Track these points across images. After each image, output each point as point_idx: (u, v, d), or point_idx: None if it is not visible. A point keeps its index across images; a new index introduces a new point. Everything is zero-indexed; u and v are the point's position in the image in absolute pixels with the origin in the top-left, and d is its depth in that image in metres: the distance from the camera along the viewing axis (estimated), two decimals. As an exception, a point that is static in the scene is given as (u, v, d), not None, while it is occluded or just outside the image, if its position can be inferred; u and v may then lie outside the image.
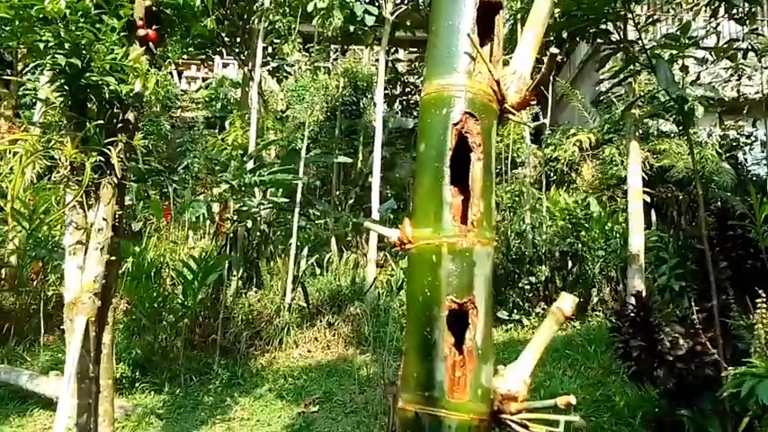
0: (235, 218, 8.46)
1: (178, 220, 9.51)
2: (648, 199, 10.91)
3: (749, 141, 11.91)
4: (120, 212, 3.99)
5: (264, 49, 11.61)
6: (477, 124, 1.53)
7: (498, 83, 1.54)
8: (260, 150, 8.50)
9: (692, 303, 4.86)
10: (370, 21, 8.79)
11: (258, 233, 9.30)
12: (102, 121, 3.70)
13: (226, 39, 13.73)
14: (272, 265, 9.11)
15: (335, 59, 18.88)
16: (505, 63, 1.65)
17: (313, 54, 15.38)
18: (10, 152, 3.88)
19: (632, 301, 4.08)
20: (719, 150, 11.53)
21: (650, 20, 7.20)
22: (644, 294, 6.88)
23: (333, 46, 17.20)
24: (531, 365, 1.52)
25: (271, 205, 8.99)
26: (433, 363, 1.45)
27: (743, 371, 2.47)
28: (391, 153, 16.57)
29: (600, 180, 11.96)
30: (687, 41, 5.10)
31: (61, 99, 3.75)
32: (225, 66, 22.17)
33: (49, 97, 3.74)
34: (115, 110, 3.82)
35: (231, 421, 6.23)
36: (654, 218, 11.13)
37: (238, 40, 13.31)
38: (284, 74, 15.92)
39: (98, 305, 3.81)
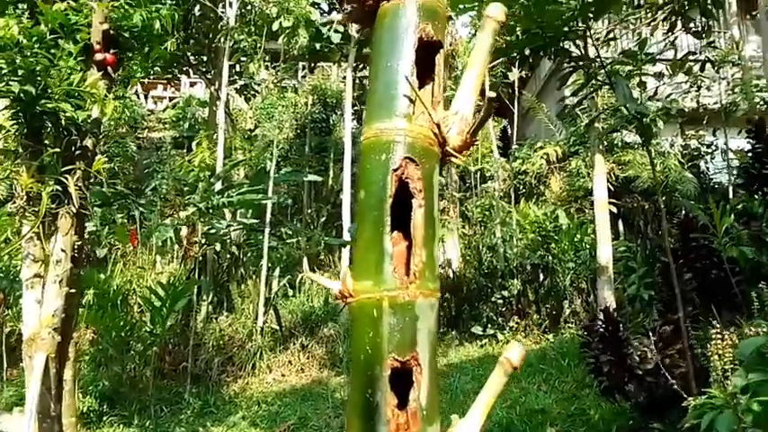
0: (203, 241, 8.32)
1: (146, 244, 9.32)
2: (615, 210, 11.13)
3: (710, 150, 12.23)
4: (80, 242, 3.87)
5: (231, 67, 11.55)
6: (417, 169, 1.48)
7: (439, 126, 1.50)
8: (227, 171, 8.39)
9: (659, 315, 4.92)
10: (336, 38, 8.80)
11: (228, 255, 9.17)
12: (58, 150, 3.60)
13: (192, 58, 13.64)
14: (243, 288, 8.98)
15: (303, 77, 18.86)
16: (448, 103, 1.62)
17: (280, 72, 15.34)
18: (-38, 183, 3.75)
19: (601, 316, 4.10)
20: (682, 160, 11.81)
21: (609, 36, 7.36)
22: (614, 306, 6.96)
23: (300, 63, 17.19)
24: (480, 421, 1.46)
25: (240, 227, 8.88)
26: (375, 427, 1.39)
27: (702, 401, 2.48)
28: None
29: (568, 192, 12.13)
30: (644, 57, 5.22)
31: (16, 126, 3.64)
32: (192, 85, 21.95)
33: (2, 125, 3.63)
34: (73, 137, 3.73)
35: (203, 452, 6.07)
36: (621, 228, 11.32)
37: (204, 59, 13.23)
38: (252, 92, 15.85)
39: (58, 340, 3.68)
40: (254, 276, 9.04)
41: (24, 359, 3.81)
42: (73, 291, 3.81)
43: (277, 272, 9.36)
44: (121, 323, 7.28)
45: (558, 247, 9.28)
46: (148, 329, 7.40)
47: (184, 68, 14.03)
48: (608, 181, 9.29)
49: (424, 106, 1.48)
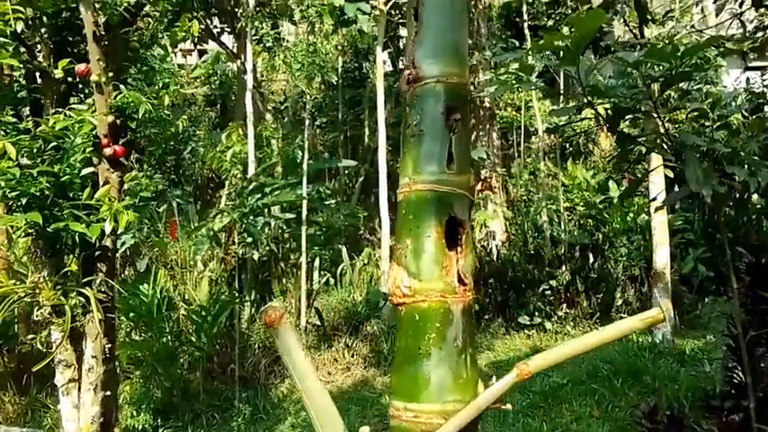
0: (241, 242, 8.22)
1: (184, 238, 9.30)
2: (672, 174, 10.44)
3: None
4: (111, 345, 3.77)
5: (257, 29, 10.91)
6: None
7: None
8: (259, 175, 8.15)
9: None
10: (363, 21, 8.17)
11: (267, 249, 9.08)
12: (75, 267, 3.41)
13: (216, 26, 13.15)
14: (284, 283, 8.94)
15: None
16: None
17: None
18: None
19: (665, 419, 3.78)
20: (745, 113, 10.84)
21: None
22: (672, 320, 6.60)
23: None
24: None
25: (277, 221, 8.74)
26: None
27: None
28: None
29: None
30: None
31: (31, 242, 3.46)
32: (220, 34, 21.35)
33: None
34: (90, 244, 3.53)
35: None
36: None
37: (228, 29, 12.72)
38: (279, 48, 15.23)
39: (99, 451, 3.66)
40: (293, 270, 8.96)
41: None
42: (108, 394, 3.75)
43: (317, 262, 9.26)
44: (166, 337, 7.38)
45: (610, 228, 8.81)
46: (194, 340, 7.50)
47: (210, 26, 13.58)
48: (663, 134, 8.58)
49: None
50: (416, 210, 1.16)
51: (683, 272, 8.64)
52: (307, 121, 9.66)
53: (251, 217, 7.98)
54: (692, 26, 7.05)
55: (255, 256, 8.18)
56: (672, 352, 6.64)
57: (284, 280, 8.96)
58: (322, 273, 9.35)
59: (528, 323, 8.43)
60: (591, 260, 8.78)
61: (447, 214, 1.14)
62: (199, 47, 21.51)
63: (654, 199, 6.05)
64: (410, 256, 1.17)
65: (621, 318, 8.16)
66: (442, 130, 1.11)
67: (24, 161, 3.12)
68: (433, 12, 1.16)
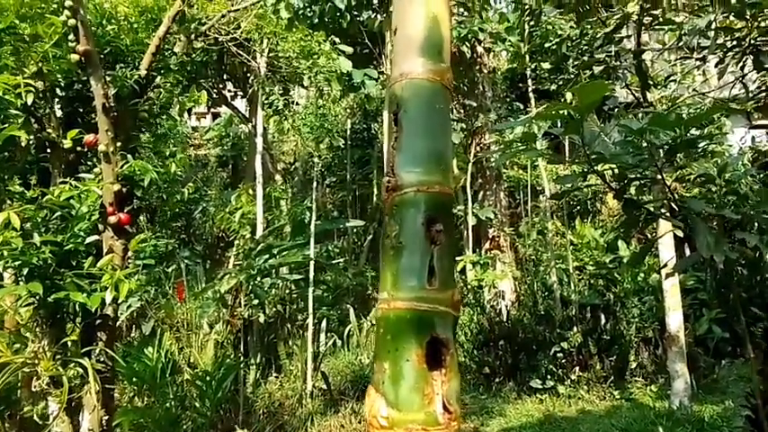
0: (247, 303, 8.14)
1: (191, 300, 9.23)
2: (680, 233, 10.35)
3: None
4: (108, 417, 3.67)
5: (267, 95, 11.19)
6: None
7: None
8: (267, 236, 8.17)
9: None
10: (371, 86, 8.36)
11: (274, 310, 8.98)
12: (75, 337, 3.36)
13: (229, 90, 13.54)
14: (290, 345, 8.78)
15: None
16: None
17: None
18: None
19: None
20: (747, 164, 10.84)
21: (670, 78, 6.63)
22: (687, 381, 6.39)
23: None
24: None
25: (285, 281, 8.68)
26: None
27: None
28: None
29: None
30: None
31: (32, 311, 3.43)
32: (233, 98, 21.96)
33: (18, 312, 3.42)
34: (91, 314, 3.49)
35: None
36: (688, 252, 10.53)
37: (240, 93, 13.09)
38: (289, 111, 15.56)
39: None
40: (300, 331, 8.83)
41: None
42: (104, 467, 3.62)
43: (324, 323, 9.13)
44: (169, 402, 7.20)
45: (621, 288, 8.66)
46: (198, 406, 7.32)
47: (224, 90, 13.97)
48: (670, 201, 8.54)
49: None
50: (395, 330, 1.03)
51: (697, 333, 8.42)
52: (315, 182, 9.75)
53: (258, 278, 7.95)
54: (694, 90, 7.14)
55: (262, 319, 8.09)
56: (690, 419, 6.38)
57: (290, 342, 8.82)
58: (329, 334, 9.20)
59: (540, 387, 8.18)
60: (603, 321, 8.59)
61: (428, 335, 1.01)
62: (212, 110, 22.11)
63: (665, 265, 5.96)
64: (388, 383, 1.03)
65: (636, 381, 7.93)
66: (422, 242, 1.02)
67: (28, 227, 3.12)
68: (415, 117, 1.06)
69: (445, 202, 1.00)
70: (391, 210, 0.96)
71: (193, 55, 5.07)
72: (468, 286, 9.84)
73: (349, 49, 8.20)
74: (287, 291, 9.29)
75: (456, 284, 0.96)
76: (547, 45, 9.21)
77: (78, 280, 3.24)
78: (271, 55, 8.26)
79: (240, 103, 22.08)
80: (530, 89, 10.49)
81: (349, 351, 8.99)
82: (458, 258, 9.66)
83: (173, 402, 7.30)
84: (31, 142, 3.30)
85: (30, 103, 3.07)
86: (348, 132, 15.58)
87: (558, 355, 8.13)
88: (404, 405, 0.91)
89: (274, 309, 9.02)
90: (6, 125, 2.93)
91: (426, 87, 1.01)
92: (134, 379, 7.33)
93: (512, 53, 10.50)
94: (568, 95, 7.66)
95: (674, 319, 6.28)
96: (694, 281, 9.07)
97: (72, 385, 3.51)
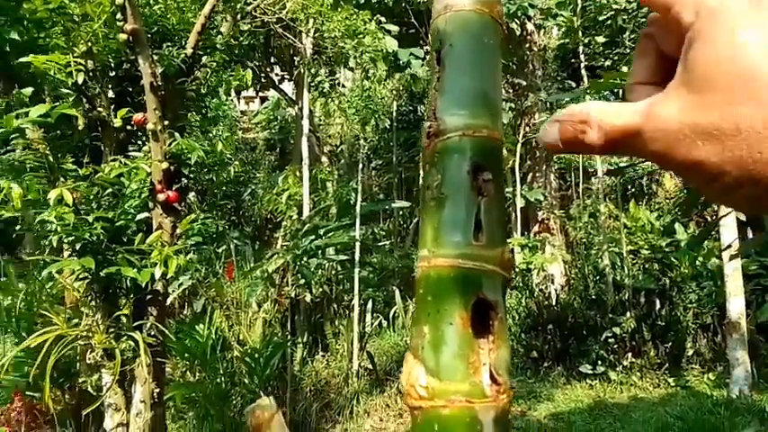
0: (294, 283, 8.25)
1: (241, 279, 9.42)
2: (744, 216, 9.86)
3: None
4: (159, 390, 3.76)
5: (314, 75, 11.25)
6: None
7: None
8: (313, 217, 8.22)
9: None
10: (416, 65, 8.24)
11: (320, 290, 9.07)
12: (127, 311, 3.45)
13: (276, 74, 13.62)
14: (336, 325, 8.87)
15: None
16: None
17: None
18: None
19: None
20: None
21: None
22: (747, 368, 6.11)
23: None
24: None
25: (331, 261, 8.75)
26: None
27: None
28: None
29: (685, 193, 10.90)
30: None
31: (86, 286, 3.54)
32: (281, 81, 22.17)
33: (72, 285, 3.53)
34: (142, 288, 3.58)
35: None
36: (751, 235, 10.03)
37: (287, 77, 13.15)
38: (335, 93, 15.60)
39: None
40: (346, 312, 8.90)
41: None
42: (156, 439, 3.73)
43: (370, 304, 9.16)
44: (219, 378, 7.40)
45: (677, 273, 8.33)
46: (246, 382, 7.50)
47: (271, 74, 14.09)
48: None
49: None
50: (436, 290, 0.94)
51: (759, 320, 8.02)
52: (361, 165, 9.75)
53: (305, 258, 8.03)
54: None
55: (308, 298, 8.18)
56: (750, 409, 6.10)
57: (336, 322, 8.90)
58: (375, 315, 9.24)
59: (590, 372, 7.98)
60: (658, 306, 8.29)
61: (474, 296, 0.93)
62: (261, 94, 22.39)
63: (728, 247, 5.66)
64: (428, 348, 0.93)
65: (692, 369, 7.64)
66: (467, 192, 0.93)
67: (81, 206, 3.20)
68: (460, 53, 0.98)
69: (494, 147, 0.89)
70: (432, 157, 0.85)
71: (240, 38, 5.10)
72: (517, 269, 9.69)
73: (395, 28, 8.09)
74: (333, 271, 9.36)
75: (506, 242, 0.86)
76: (601, 18, 8.83)
77: (129, 256, 3.32)
78: (316, 35, 8.25)
79: (287, 87, 22.30)
80: (582, 66, 10.13)
81: (394, 332, 9.00)
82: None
83: (223, 378, 7.49)
84: (83, 121, 3.38)
85: (80, 82, 3.14)
86: (394, 114, 15.47)
87: (610, 340, 7.91)
88: (446, 373, 0.81)
89: (321, 289, 9.11)
90: (58, 104, 3.00)
91: (474, 20, 0.90)
92: (186, 354, 7.56)
93: (564, 28, 10.14)
94: (624, 69, 7.34)
95: (736, 305, 5.99)
96: (757, 266, 8.62)
97: (124, 358, 3.61)
